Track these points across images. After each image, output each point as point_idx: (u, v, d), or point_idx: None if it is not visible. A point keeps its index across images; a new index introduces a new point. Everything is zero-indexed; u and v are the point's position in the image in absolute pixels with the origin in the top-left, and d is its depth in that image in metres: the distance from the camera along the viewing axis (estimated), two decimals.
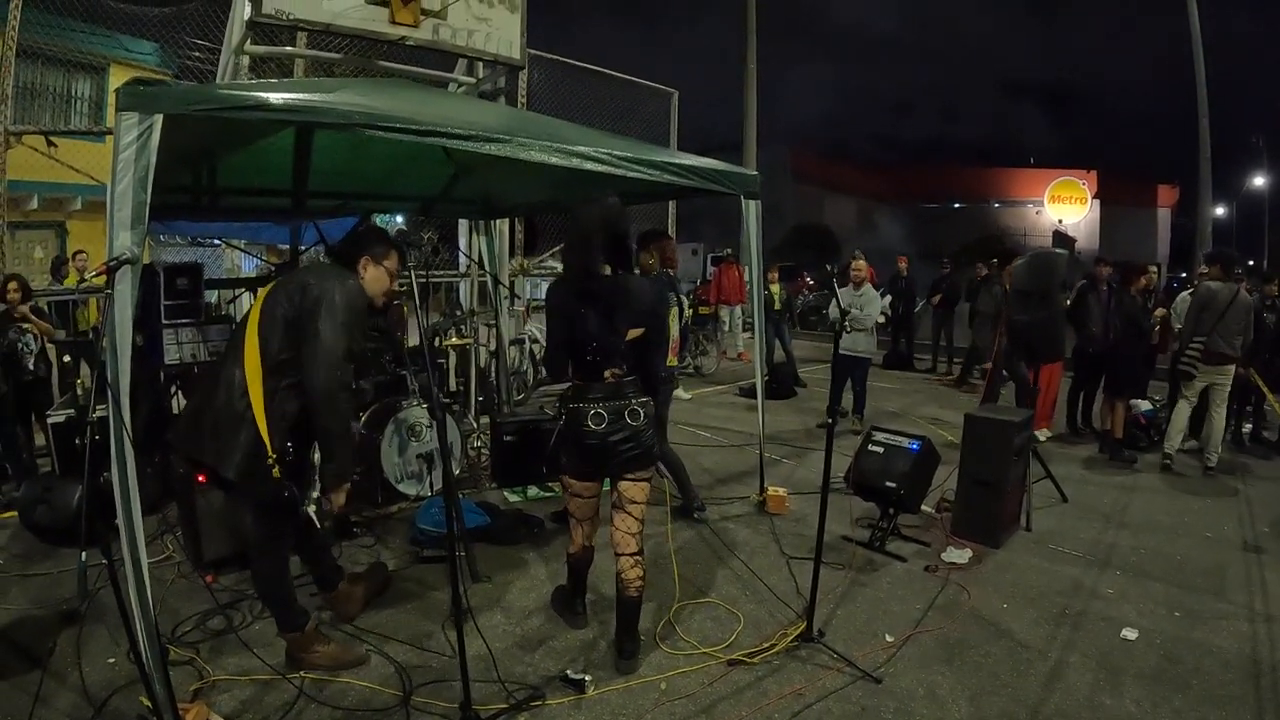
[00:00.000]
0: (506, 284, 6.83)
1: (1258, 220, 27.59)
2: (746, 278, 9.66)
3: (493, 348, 7.24)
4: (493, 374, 7.18)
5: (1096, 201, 25.29)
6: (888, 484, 4.63)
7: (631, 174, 3.87)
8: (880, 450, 4.85)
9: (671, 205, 10.12)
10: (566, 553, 3.50)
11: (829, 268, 6.97)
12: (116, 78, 12.03)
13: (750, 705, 3.09)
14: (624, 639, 3.29)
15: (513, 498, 5.41)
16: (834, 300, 7.62)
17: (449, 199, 5.89)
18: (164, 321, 4.49)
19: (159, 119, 2.58)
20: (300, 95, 2.96)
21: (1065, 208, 24.54)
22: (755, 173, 4.84)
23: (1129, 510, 5.65)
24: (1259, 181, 27.27)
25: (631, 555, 3.22)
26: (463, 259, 7.17)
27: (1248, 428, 7.68)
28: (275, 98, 2.83)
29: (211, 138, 3.79)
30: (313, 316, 2.79)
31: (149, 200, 2.65)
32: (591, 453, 3.08)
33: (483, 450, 6.05)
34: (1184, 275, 8.92)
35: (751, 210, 4.82)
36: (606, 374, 3.10)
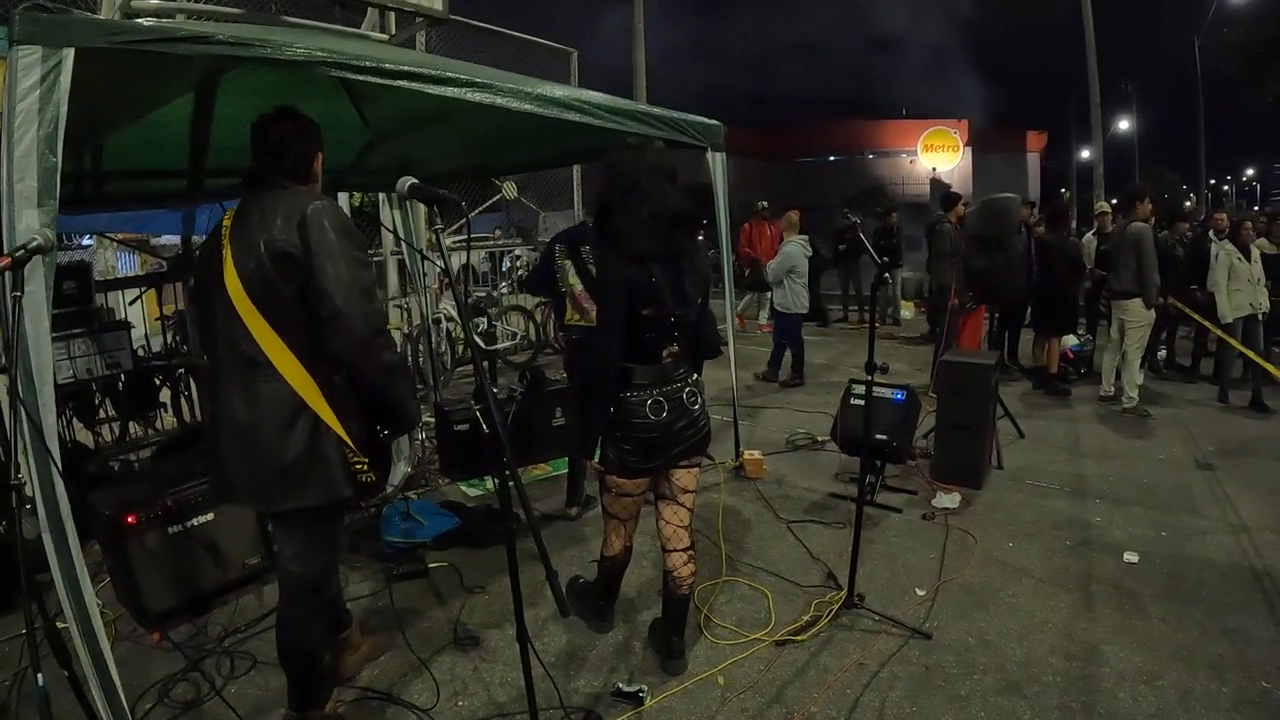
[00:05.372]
0: (436, 260, 6.24)
1: (1127, 164, 29.83)
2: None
3: (407, 330, 6.63)
4: (420, 357, 6.56)
5: (968, 149, 26.48)
6: (878, 437, 4.50)
7: (608, 125, 3.48)
8: (864, 403, 4.72)
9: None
10: (601, 555, 3.11)
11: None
12: None
13: (818, 685, 2.88)
14: (674, 639, 2.98)
15: (473, 492, 4.95)
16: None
17: (361, 170, 5.25)
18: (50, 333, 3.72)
19: (69, 54, 1.98)
20: (242, 33, 2.40)
21: (938, 156, 25.45)
22: (719, 123, 4.54)
23: (1082, 441, 5.84)
24: (1124, 125, 29.42)
25: (685, 550, 2.88)
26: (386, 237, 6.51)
27: (1162, 353, 8.13)
28: (220, 32, 2.27)
29: (100, 110, 3.11)
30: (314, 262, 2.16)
31: (60, 166, 2.05)
32: (650, 446, 2.67)
33: (426, 443, 5.51)
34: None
35: (718, 163, 4.53)
36: (664, 354, 2.69)
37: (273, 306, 2.17)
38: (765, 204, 11.22)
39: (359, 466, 2.30)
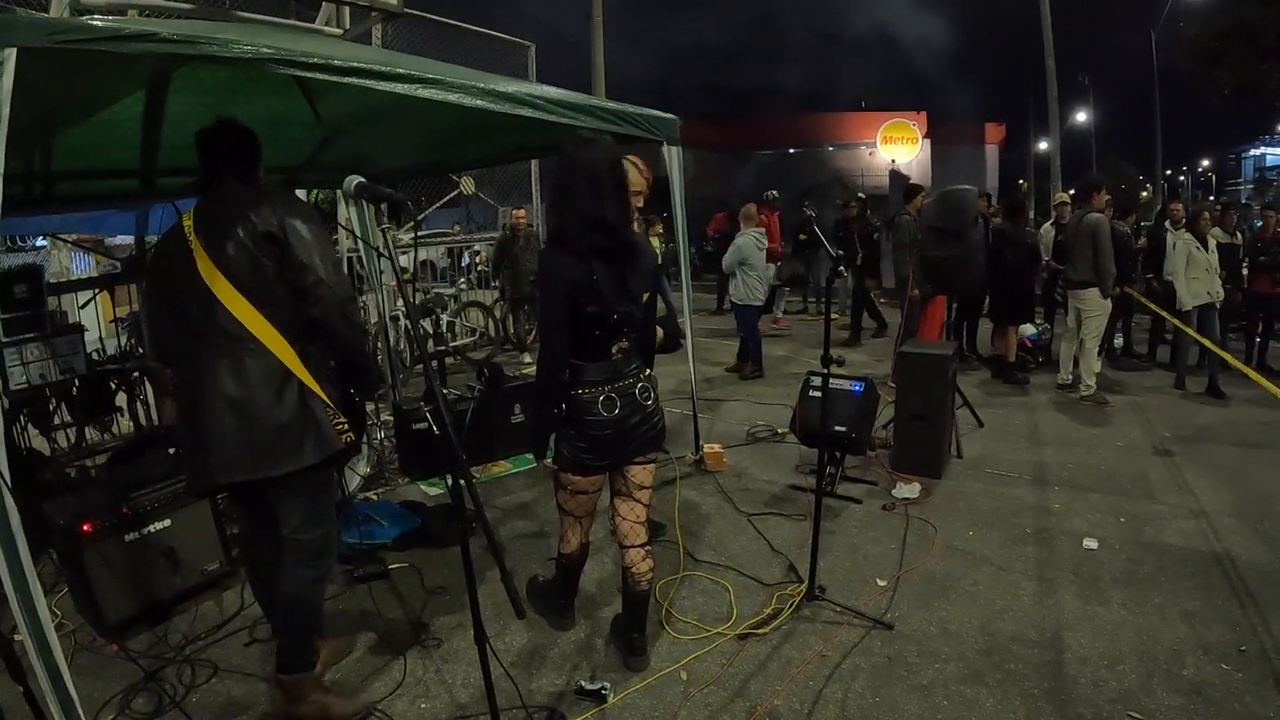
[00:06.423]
0: (389, 254, 6.19)
1: (1085, 155, 30.39)
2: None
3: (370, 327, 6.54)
4: (379, 355, 6.48)
5: (927, 141, 26.55)
6: (837, 428, 4.53)
7: (563, 120, 3.45)
8: (822, 395, 4.75)
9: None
10: (558, 553, 3.10)
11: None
12: None
13: (781, 678, 2.89)
14: (635, 635, 2.98)
15: (433, 490, 4.90)
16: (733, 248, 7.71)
17: (316, 167, 5.19)
18: (3, 339, 3.64)
19: (11, 54, 1.91)
20: (190, 30, 2.35)
21: (897, 148, 25.36)
22: (675, 117, 4.54)
23: (1041, 429, 5.93)
24: (1081, 117, 29.99)
25: (641, 546, 2.88)
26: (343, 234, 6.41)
27: (1119, 341, 8.28)
28: (166, 29, 2.21)
29: (48, 110, 3.03)
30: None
31: (3, 169, 1.97)
32: (604, 443, 2.67)
33: (385, 442, 5.45)
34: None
35: (674, 157, 4.52)
36: (614, 350, 2.68)
37: (254, 287, 2.36)
38: (775, 193, 10.87)
39: (340, 426, 2.50)
